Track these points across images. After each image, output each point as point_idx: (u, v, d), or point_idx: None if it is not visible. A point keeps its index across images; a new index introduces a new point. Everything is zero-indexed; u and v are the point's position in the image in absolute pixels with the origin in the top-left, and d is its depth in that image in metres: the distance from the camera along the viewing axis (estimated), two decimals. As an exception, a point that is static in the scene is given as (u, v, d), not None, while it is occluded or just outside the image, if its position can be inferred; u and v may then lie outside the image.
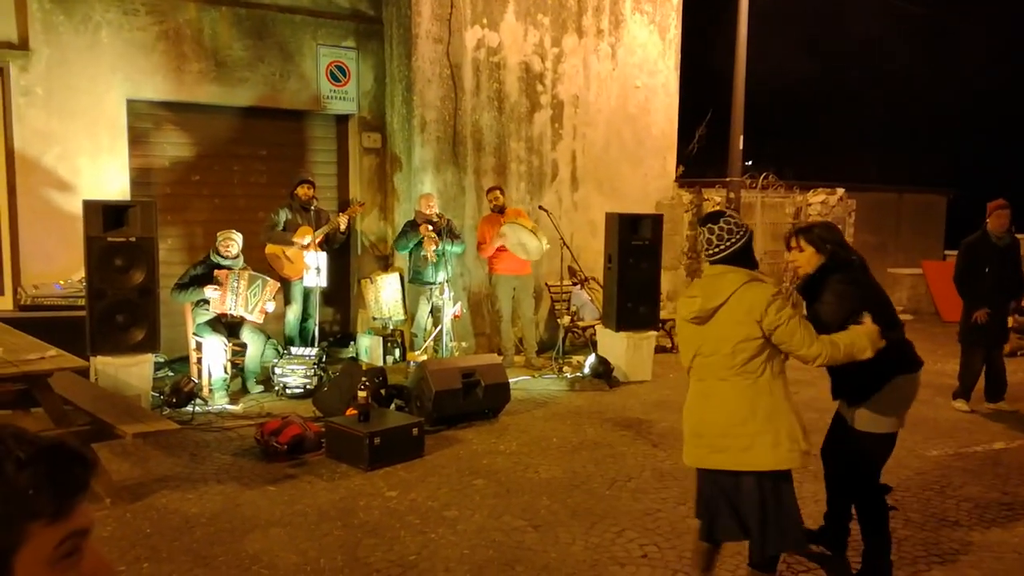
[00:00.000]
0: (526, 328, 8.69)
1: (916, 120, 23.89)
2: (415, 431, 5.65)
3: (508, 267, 8.38)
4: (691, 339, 3.25)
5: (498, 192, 8.48)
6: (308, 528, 4.45)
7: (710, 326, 3.13)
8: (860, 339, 3.17)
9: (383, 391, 6.50)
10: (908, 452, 5.55)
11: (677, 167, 11.17)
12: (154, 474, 5.19)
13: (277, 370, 7.27)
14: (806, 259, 3.61)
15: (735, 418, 3.09)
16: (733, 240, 3.17)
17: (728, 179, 10.49)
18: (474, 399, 6.46)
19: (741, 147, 10.37)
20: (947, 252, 16.69)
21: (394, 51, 8.87)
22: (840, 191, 12.97)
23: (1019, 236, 7.45)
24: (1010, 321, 9.25)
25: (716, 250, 3.19)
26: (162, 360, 7.44)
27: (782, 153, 17.46)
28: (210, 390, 6.95)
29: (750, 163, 12.90)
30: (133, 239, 6.27)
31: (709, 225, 3.22)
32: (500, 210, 8.40)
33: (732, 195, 10.41)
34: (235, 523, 4.48)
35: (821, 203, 12.72)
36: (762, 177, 12.51)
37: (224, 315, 7.09)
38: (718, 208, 3.58)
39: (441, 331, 7.98)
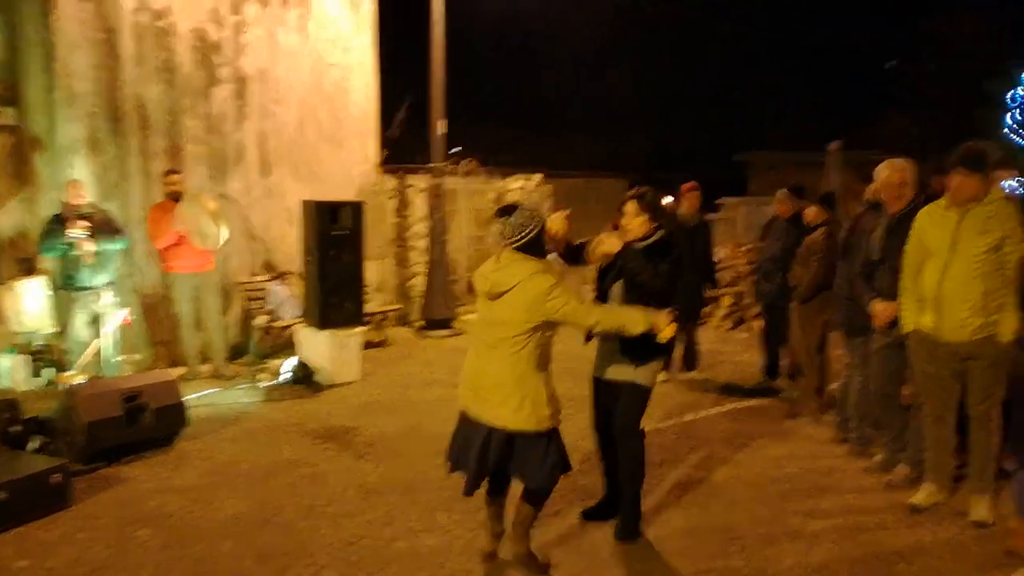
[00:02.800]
0: (213, 332, 7.63)
1: (611, 111, 25.83)
2: (57, 477, 4.52)
3: (186, 264, 7.27)
4: (482, 307, 3.66)
5: (176, 176, 7.32)
6: None
7: (498, 303, 3.53)
8: (639, 318, 3.59)
9: (16, 427, 5.19)
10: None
11: (381, 151, 10.65)
12: None
13: None
14: (639, 225, 3.95)
15: (495, 380, 3.53)
16: (526, 232, 3.52)
17: (431, 165, 10.18)
18: (141, 426, 5.39)
19: (442, 132, 10.08)
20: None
21: (29, 9, 7.26)
22: (537, 177, 13.32)
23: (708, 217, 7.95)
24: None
25: (511, 240, 3.54)
26: None
27: (494, 141, 17.74)
28: None
29: (459, 150, 12.78)
30: None
31: (505, 218, 3.54)
32: (177, 197, 7.26)
33: (436, 181, 10.12)
34: None
35: (520, 188, 12.96)
36: (464, 163, 12.44)
37: None
38: (511, 202, 4.07)
39: (102, 345, 6.70)
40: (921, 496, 4.39)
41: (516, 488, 3.74)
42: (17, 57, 7.46)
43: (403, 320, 10.63)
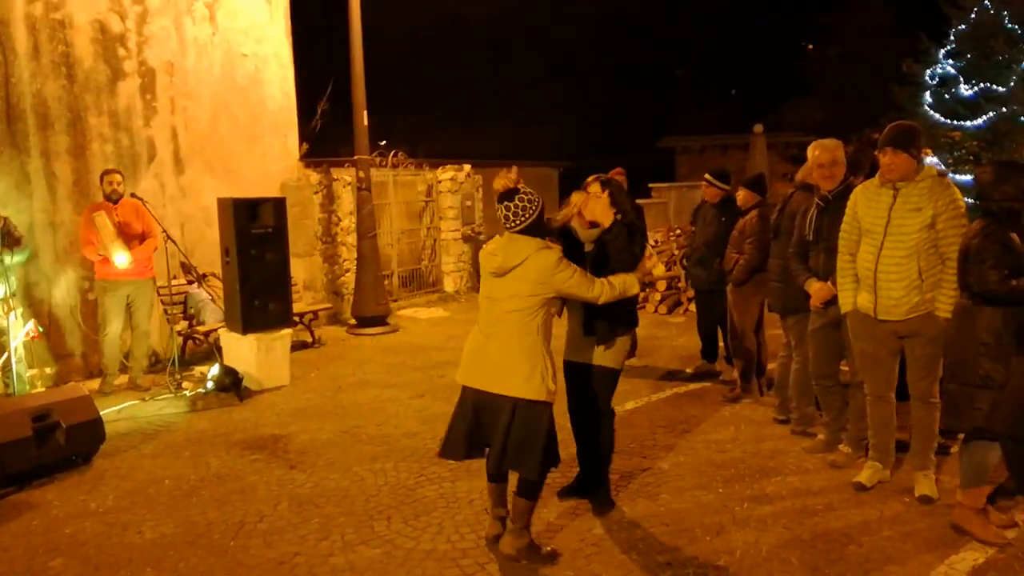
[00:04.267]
0: (135, 342, 7.19)
1: (532, 100, 25.71)
2: (-43, 509, 4.15)
3: (123, 270, 6.81)
4: (487, 286, 3.77)
5: (116, 176, 6.89)
6: None
7: (505, 279, 3.66)
8: (631, 279, 3.84)
9: (-91, 457, 4.75)
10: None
11: (301, 145, 10.27)
12: None
13: None
14: (603, 209, 4.07)
15: (506, 351, 3.64)
16: (528, 215, 3.64)
17: (356, 157, 9.86)
18: (53, 446, 5.02)
19: (366, 123, 9.78)
20: (563, 221, 18.05)
21: (-97, -3, 6.69)
22: (467, 167, 13.13)
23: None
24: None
25: (513, 224, 3.66)
26: None
27: (415, 132, 17.42)
28: None
29: (384, 143, 12.48)
30: None
31: (505, 203, 3.65)
32: (116, 199, 6.82)
33: (362, 174, 9.80)
34: None
35: (451, 179, 12.75)
36: (392, 155, 12.15)
37: None
38: (512, 186, 3.73)
39: (10, 359, 6.23)
40: (866, 475, 4.39)
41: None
42: None
43: (335, 319, 10.32)
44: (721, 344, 7.08)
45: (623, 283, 3.82)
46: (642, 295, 10.54)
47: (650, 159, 24.78)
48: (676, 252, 11.31)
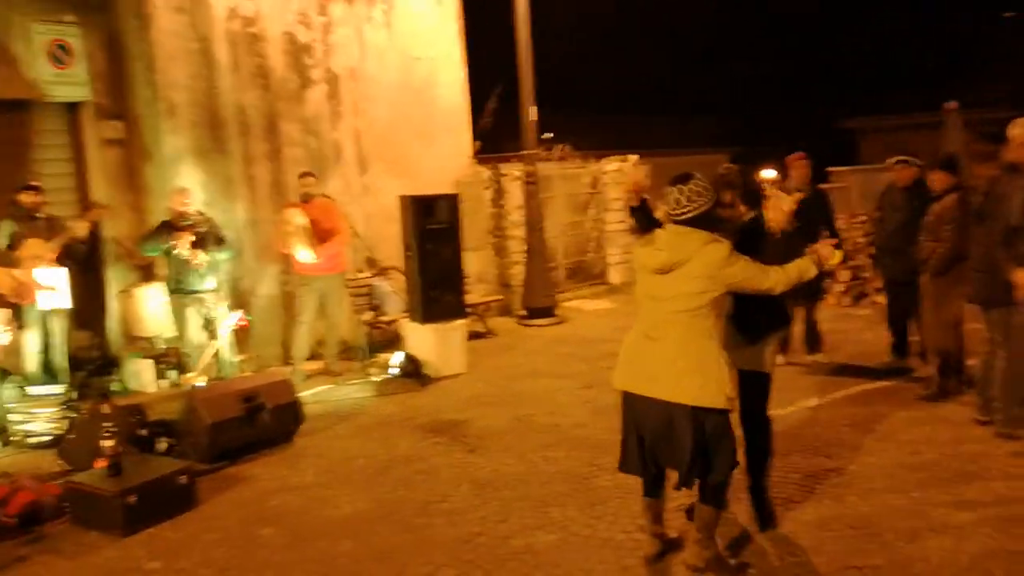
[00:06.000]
0: (328, 331, 7.77)
1: (702, 84, 25.09)
2: (183, 478, 4.66)
3: (316, 265, 7.40)
4: (648, 284, 3.50)
5: (310, 179, 7.49)
6: (40, 630, 3.43)
7: (669, 276, 3.40)
8: (806, 264, 3.56)
9: (143, 431, 5.39)
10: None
11: (473, 142, 10.60)
12: None
13: (14, 415, 5.98)
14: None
15: (675, 356, 3.38)
16: (700, 203, 3.39)
17: (523, 152, 10.06)
18: (260, 425, 5.52)
19: (534, 118, 9.94)
20: (733, 209, 17.44)
21: (127, 24, 7.53)
22: (633, 158, 13.00)
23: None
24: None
25: (683, 211, 3.39)
26: None
27: (580, 125, 17.46)
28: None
29: (551, 136, 12.65)
30: None
31: (679, 186, 3.41)
32: (308, 200, 7.42)
33: (530, 168, 9.99)
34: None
35: (616, 170, 12.69)
36: (558, 148, 12.27)
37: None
38: (686, 171, 3.53)
39: (219, 346, 6.91)
40: (1085, 483, 3.98)
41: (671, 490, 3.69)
42: (121, 72, 7.74)
43: (505, 310, 10.59)
44: (913, 338, 6.61)
45: (798, 268, 3.53)
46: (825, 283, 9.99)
47: (829, 142, 23.43)
48: (860, 240, 10.65)
